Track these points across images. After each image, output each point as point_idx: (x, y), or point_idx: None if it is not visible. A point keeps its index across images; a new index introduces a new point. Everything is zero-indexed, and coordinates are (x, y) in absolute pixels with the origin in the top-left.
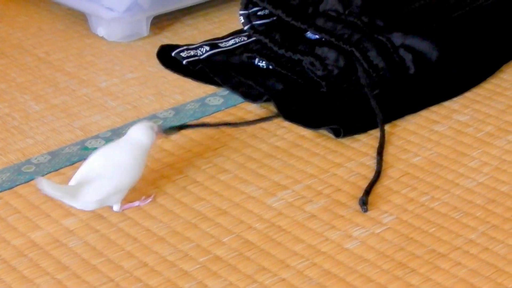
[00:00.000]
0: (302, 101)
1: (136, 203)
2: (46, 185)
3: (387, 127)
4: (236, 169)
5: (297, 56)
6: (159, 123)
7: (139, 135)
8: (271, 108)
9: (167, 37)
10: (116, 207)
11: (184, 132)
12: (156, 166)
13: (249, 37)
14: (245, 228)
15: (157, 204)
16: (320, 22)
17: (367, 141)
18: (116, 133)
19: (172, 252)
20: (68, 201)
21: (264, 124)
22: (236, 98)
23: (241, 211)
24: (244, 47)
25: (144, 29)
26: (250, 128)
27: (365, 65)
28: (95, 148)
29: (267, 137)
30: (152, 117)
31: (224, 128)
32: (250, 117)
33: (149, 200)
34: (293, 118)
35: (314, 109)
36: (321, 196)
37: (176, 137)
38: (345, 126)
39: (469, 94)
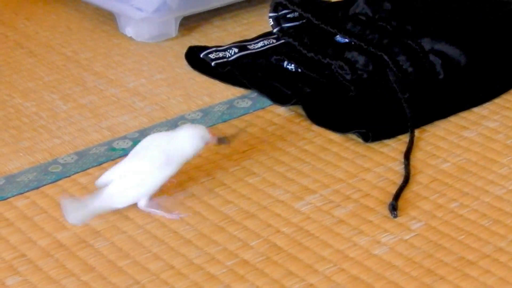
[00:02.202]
0: (330, 105)
1: (161, 213)
2: (72, 206)
3: (416, 133)
4: (264, 172)
5: (326, 60)
6: (209, 131)
7: (184, 142)
8: (300, 111)
9: (196, 38)
10: (141, 203)
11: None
12: (183, 167)
13: (278, 39)
14: (272, 232)
15: (184, 206)
16: (349, 26)
17: (395, 146)
18: (143, 134)
19: (199, 255)
20: (104, 207)
21: (293, 127)
22: (265, 100)
23: (269, 215)
24: (273, 50)
25: (173, 29)
26: (278, 131)
27: (395, 70)
28: (123, 149)
29: (296, 140)
30: (179, 119)
31: (252, 130)
32: (279, 121)
33: (175, 217)
34: (322, 121)
35: (342, 113)
36: (350, 201)
37: None
38: (373, 130)
39: (498, 100)
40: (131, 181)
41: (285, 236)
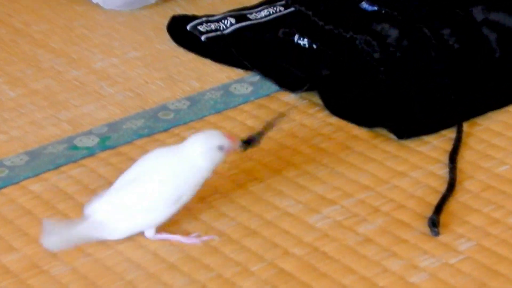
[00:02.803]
0: (354, 91)
1: (176, 237)
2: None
3: (464, 127)
4: (269, 177)
5: (349, 34)
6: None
7: (198, 156)
8: (315, 99)
9: (181, 6)
10: (149, 233)
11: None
12: None
13: (286, 7)
14: (279, 254)
15: (169, 221)
16: None
17: (438, 143)
18: (114, 128)
19: (185, 283)
20: (94, 237)
21: (306, 120)
22: (270, 85)
23: (275, 232)
24: (280, 21)
25: None
26: (287, 125)
27: (437, 46)
28: (87, 148)
29: (309, 137)
30: (160, 109)
31: (253, 123)
32: (287, 111)
33: (195, 241)
34: (343, 112)
35: (369, 102)
36: (379, 214)
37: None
38: (409, 124)
39: None
40: (134, 209)
41: (295, 259)
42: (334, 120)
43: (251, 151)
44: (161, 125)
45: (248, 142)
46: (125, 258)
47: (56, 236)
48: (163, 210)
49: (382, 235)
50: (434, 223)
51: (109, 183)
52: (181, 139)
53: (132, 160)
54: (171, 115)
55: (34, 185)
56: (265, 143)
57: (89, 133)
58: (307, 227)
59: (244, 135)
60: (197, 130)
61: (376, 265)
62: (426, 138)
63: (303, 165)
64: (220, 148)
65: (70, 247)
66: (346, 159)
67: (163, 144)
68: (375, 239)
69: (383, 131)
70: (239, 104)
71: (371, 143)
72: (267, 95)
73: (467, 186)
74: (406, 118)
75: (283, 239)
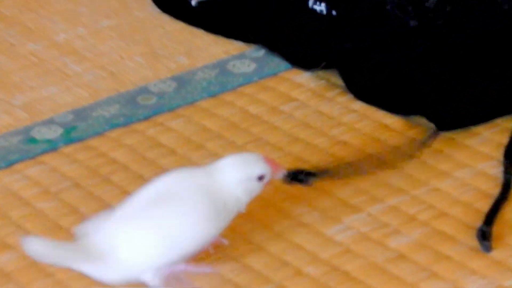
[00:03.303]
0: (384, 70)
1: (188, 267)
2: (37, 245)
3: None
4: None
5: None
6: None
7: (233, 184)
8: (334, 79)
9: None
10: (153, 276)
11: (197, 119)
12: None
13: None
14: (290, 273)
15: None
16: None
17: (490, 135)
18: (81, 117)
19: None
20: (84, 267)
21: (323, 105)
22: (277, 62)
23: (285, 246)
24: None
25: None
26: (300, 111)
27: (488, 10)
28: (48, 141)
29: (327, 127)
30: (140, 92)
31: (256, 110)
32: (300, 94)
33: (206, 270)
34: (370, 96)
35: (404, 83)
36: (415, 224)
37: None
38: (454, 111)
39: None
40: (151, 239)
41: (310, 280)
42: (359, 105)
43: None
44: (141, 112)
45: (296, 177)
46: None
47: (39, 248)
48: (188, 245)
49: (419, 251)
50: (485, 236)
51: (75, 185)
52: (166, 129)
53: (104, 156)
54: (153, 100)
55: None
56: (272, 134)
57: (50, 122)
58: (325, 240)
59: (247, 125)
60: (186, 118)
61: None
62: (475, 128)
63: (320, 163)
64: (260, 178)
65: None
66: (374, 154)
67: (143, 136)
68: (410, 255)
69: (421, 120)
70: (239, 86)
71: (405, 135)
72: (274, 74)
73: None
74: (450, 103)
75: (295, 255)
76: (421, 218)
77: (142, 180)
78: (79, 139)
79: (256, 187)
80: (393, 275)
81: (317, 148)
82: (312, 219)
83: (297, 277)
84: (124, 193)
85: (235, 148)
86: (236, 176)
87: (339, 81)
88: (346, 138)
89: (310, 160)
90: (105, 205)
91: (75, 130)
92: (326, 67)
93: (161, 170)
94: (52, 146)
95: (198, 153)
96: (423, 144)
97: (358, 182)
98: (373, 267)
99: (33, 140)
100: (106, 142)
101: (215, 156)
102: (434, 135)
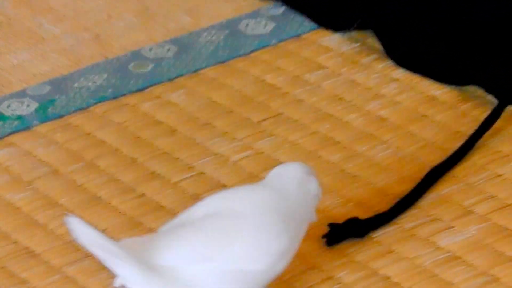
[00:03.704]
0: (432, 31)
1: None
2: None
3: None
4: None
5: None
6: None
7: (301, 200)
8: (371, 42)
9: None
10: None
11: (202, 91)
12: None
13: None
14: (321, 278)
15: None
16: None
17: None
18: (60, 89)
19: None
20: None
21: (356, 75)
22: (300, 22)
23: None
24: None
25: None
26: (326, 83)
27: None
28: (19, 118)
29: (362, 100)
30: (133, 57)
31: (275, 81)
32: (327, 61)
33: None
34: (414, 63)
35: (456, 47)
36: (471, 218)
37: None
38: None
39: None
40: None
41: (342, 286)
42: (401, 74)
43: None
44: (133, 83)
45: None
46: None
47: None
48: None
49: (476, 251)
50: None
51: (54, 172)
52: (164, 103)
53: (89, 137)
54: (149, 67)
55: None
56: (294, 109)
57: (22, 95)
58: (362, 239)
59: (264, 98)
60: (188, 90)
61: None
62: None
63: (352, 144)
64: (318, 195)
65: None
66: (419, 133)
67: (136, 112)
68: (465, 256)
69: (477, 91)
70: (253, 51)
71: (459, 110)
72: (296, 36)
73: None
74: None
75: (325, 258)
76: (478, 211)
77: (135, 165)
78: (58, 116)
79: (315, 203)
80: (444, 281)
81: (349, 126)
82: (343, 213)
83: (328, 282)
84: (113, 181)
85: (248, 127)
86: (304, 192)
87: (376, 44)
88: (385, 114)
89: (340, 140)
90: (89, 196)
91: (52, 105)
92: (360, 27)
93: (158, 153)
94: (24, 124)
95: (204, 132)
96: (484, 123)
97: (400, 167)
98: (419, 271)
99: (1, 117)
100: (91, 119)
101: (224, 136)
102: (496, 111)
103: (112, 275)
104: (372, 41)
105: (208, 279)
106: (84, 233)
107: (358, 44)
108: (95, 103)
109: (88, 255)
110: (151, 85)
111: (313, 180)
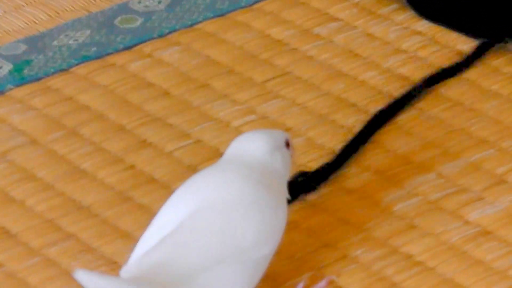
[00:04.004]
0: None
1: None
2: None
3: None
4: (308, 130)
5: None
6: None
7: (269, 160)
8: None
9: None
10: None
11: (198, 48)
12: None
13: None
14: (338, 256)
15: None
16: None
17: None
18: (38, 48)
19: None
20: None
21: (373, 27)
22: None
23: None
24: None
25: None
26: (340, 38)
27: None
28: None
29: (380, 56)
30: (119, 11)
31: (279, 37)
32: (341, 12)
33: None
34: (439, 13)
35: None
36: (504, 188)
37: None
38: None
39: None
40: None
41: (360, 266)
42: (424, 26)
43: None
44: (120, 40)
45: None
46: None
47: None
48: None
49: (509, 224)
50: None
51: (31, 142)
52: (156, 62)
53: (70, 101)
54: (137, 22)
55: None
56: (303, 67)
57: None
58: (380, 212)
59: (269, 55)
60: (183, 46)
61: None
62: None
63: (369, 106)
64: (287, 144)
65: None
66: (445, 93)
67: (124, 72)
68: (498, 231)
69: (510, 46)
70: (257, 1)
71: (491, 66)
72: None
73: None
74: None
75: (343, 235)
76: None
77: (123, 133)
78: (35, 78)
79: (287, 155)
80: (473, 259)
81: (366, 86)
82: (360, 182)
83: (344, 260)
84: (99, 151)
85: (251, 87)
86: (266, 148)
87: None
88: (406, 71)
89: (356, 101)
90: (72, 168)
91: (29, 66)
92: None
93: (149, 118)
94: None
95: (201, 94)
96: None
97: (424, 130)
98: (446, 248)
99: None
100: (72, 82)
101: (224, 99)
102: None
103: (97, 257)
104: None
105: (224, 280)
106: (97, 284)
107: None
108: (77, 64)
109: (71, 235)
110: (140, 42)
111: (277, 131)
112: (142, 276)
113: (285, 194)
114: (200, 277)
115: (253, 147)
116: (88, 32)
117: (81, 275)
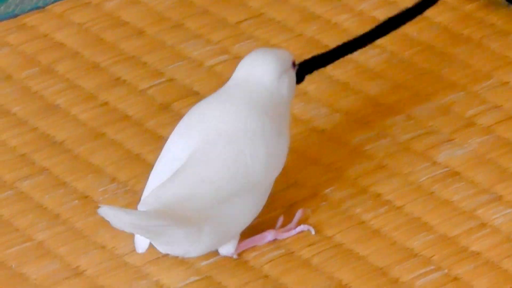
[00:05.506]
0: None
1: (269, 236)
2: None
3: None
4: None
5: None
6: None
7: (277, 85)
8: None
9: None
10: (228, 249)
11: None
12: None
13: None
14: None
15: None
16: None
17: None
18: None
19: None
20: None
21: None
22: None
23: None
24: None
25: None
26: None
27: None
28: None
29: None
30: None
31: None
32: None
33: (304, 228)
34: None
35: None
36: (473, 130)
37: None
38: None
39: None
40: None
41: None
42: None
43: None
44: None
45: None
46: None
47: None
48: (264, 191)
49: (477, 167)
50: None
51: (6, 78)
52: (132, 1)
53: (45, 39)
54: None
55: None
56: (276, 8)
57: None
58: (350, 151)
59: (256, 2)
60: None
61: None
62: None
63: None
64: (293, 63)
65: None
66: (416, 37)
67: (98, 10)
68: (466, 172)
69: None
70: None
71: (463, 11)
72: None
73: None
74: None
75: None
76: (481, 122)
77: (97, 70)
78: (11, 15)
79: (293, 77)
80: (441, 199)
81: (339, 28)
82: (331, 123)
83: (314, 199)
84: (73, 88)
85: (225, 28)
86: (275, 73)
87: None
88: (379, 14)
89: (329, 43)
90: (46, 104)
91: (5, 3)
92: None
93: (123, 57)
94: None
95: (175, 34)
96: None
97: (395, 73)
98: (414, 188)
99: None
100: (48, 19)
101: (198, 38)
102: None
103: (69, 192)
104: None
105: (242, 210)
106: (121, 219)
107: None
108: (53, 2)
109: (43, 170)
110: None
111: (282, 51)
112: (161, 209)
113: (288, 119)
114: (215, 210)
115: (260, 72)
116: None
117: (106, 211)
